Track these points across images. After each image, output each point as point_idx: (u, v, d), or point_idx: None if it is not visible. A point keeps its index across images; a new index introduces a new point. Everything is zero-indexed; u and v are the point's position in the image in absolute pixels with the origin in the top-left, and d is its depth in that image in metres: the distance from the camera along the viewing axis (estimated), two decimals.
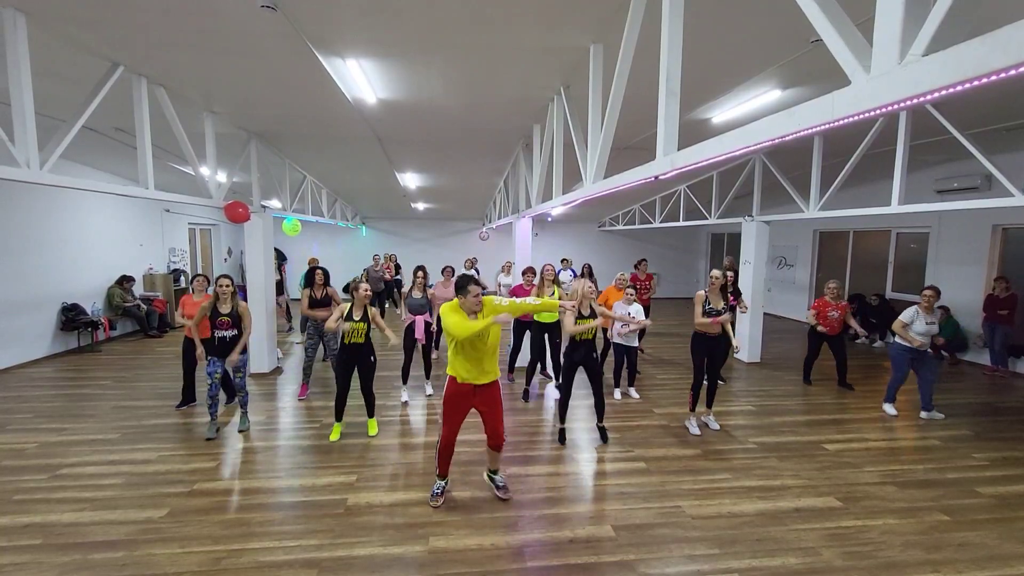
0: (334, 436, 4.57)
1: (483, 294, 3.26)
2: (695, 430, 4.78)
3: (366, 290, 4.41)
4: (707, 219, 9.11)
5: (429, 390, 5.86)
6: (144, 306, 9.30)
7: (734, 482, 3.82)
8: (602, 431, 4.55)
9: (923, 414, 5.27)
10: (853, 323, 6.05)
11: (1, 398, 5.71)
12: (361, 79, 4.29)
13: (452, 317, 3.16)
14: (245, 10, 3.13)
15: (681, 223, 10.07)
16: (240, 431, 4.69)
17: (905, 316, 5.15)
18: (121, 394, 5.86)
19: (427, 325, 5.58)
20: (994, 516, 3.40)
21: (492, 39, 3.57)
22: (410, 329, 5.54)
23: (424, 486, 3.69)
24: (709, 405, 4.90)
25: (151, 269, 10.14)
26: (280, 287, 9.16)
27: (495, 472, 3.65)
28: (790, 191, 6.81)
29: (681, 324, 10.52)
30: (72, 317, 7.84)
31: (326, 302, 5.61)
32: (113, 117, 5.37)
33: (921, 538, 3.14)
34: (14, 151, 3.20)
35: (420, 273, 5.61)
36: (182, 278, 10.80)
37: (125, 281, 9.09)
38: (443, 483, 3.54)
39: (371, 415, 4.74)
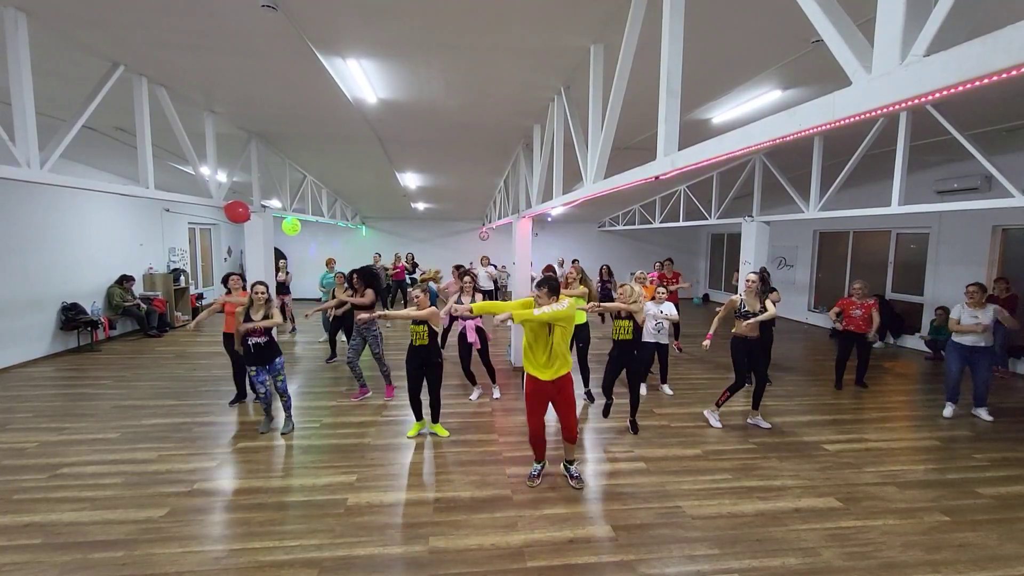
0: (412, 432, 4.63)
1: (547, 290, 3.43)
2: (716, 423, 4.91)
3: (421, 297, 4.34)
4: (707, 219, 9.11)
5: (496, 394, 5.76)
6: (144, 306, 9.29)
7: (734, 482, 3.82)
8: (633, 424, 4.71)
9: (974, 410, 5.35)
10: (876, 318, 6.06)
11: (1, 397, 5.71)
12: (361, 79, 4.29)
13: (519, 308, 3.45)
14: (245, 10, 3.12)
15: (681, 223, 10.07)
16: (282, 433, 4.63)
17: (953, 313, 5.29)
18: (121, 394, 5.86)
19: (479, 330, 5.50)
20: (994, 517, 3.40)
21: (493, 39, 3.57)
22: (461, 336, 5.49)
23: (425, 486, 3.70)
24: (755, 406, 4.94)
25: (151, 269, 10.14)
26: (285, 288, 9.18)
27: (571, 463, 3.81)
28: (790, 191, 6.81)
29: (683, 324, 10.48)
30: (72, 316, 7.83)
31: (367, 304, 5.51)
32: (113, 117, 5.36)
33: (921, 539, 3.14)
34: (15, 150, 3.20)
35: (468, 278, 5.45)
36: (182, 278, 10.80)
37: (125, 281, 9.09)
38: (539, 465, 3.83)
39: (435, 420, 4.64)
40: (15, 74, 3.20)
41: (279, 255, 12.31)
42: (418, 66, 4.10)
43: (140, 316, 9.16)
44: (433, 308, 4.40)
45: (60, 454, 4.20)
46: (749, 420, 4.99)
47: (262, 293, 4.46)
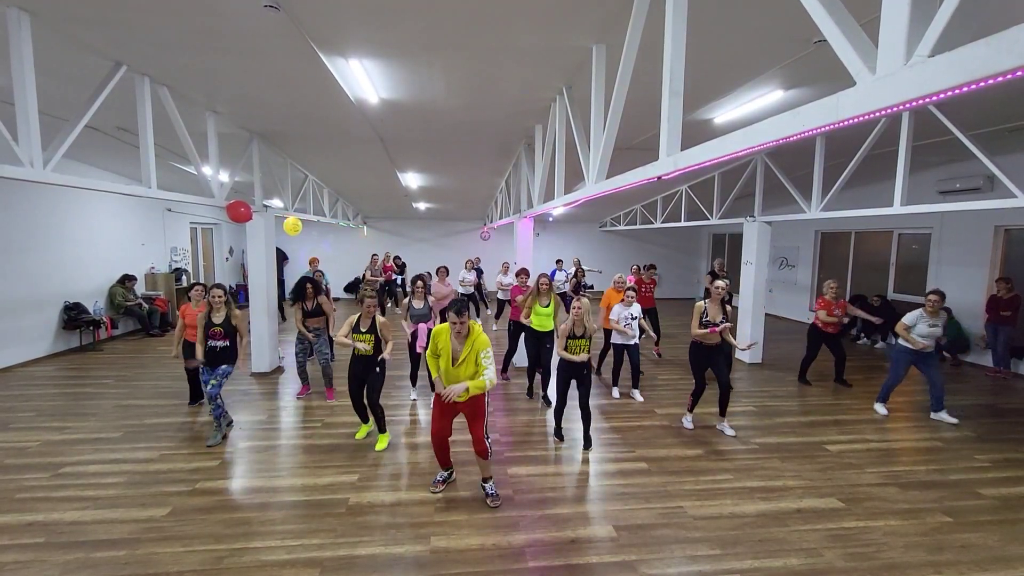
0: (360, 435, 4.58)
1: (461, 321, 3.28)
2: (689, 425, 4.91)
3: (372, 304, 4.28)
4: (708, 219, 9.11)
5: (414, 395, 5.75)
6: (146, 305, 9.31)
7: (736, 483, 3.82)
8: (587, 439, 4.43)
9: (932, 415, 5.26)
10: (859, 312, 6.10)
11: (3, 397, 5.72)
12: (364, 79, 4.29)
13: (436, 346, 3.39)
14: (248, 10, 3.13)
15: (682, 223, 10.06)
16: (208, 445, 4.36)
17: (908, 319, 5.15)
18: (123, 393, 5.87)
19: (430, 332, 5.48)
20: (996, 518, 3.39)
21: (495, 39, 3.57)
22: (415, 337, 5.50)
23: (426, 486, 3.70)
24: (722, 413, 4.83)
25: (153, 268, 10.15)
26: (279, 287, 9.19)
27: (485, 480, 3.58)
28: (792, 192, 6.81)
29: (683, 325, 10.50)
30: (74, 316, 7.85)
31: (318, 312, 5.53)
32: (116, 116, 5.37)
33: (923, 539, 3.14)
34: (18, 150, 3.21)
35: (420, 283, 5.46)
36: (184, 277, 10.81)
37: (127, 280, 9.10)
38: (444, 472, 3.73)
39: (382, 430, 4.44)
40: (18, 74, 3.20)
41: (281, 255, 12.34)
42: (420, 66, 4.10)
43: (142, 316, 9.17)
44: (384, 320, 4.35)
45: (62, 453, 4.21)
46: (717, 426, 4.91)
47: (219, 297, 4.43)
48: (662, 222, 11.16)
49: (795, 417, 5.28)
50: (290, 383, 6.29)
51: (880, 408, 5.43)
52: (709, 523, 3.27)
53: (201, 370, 4.49)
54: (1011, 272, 7.22)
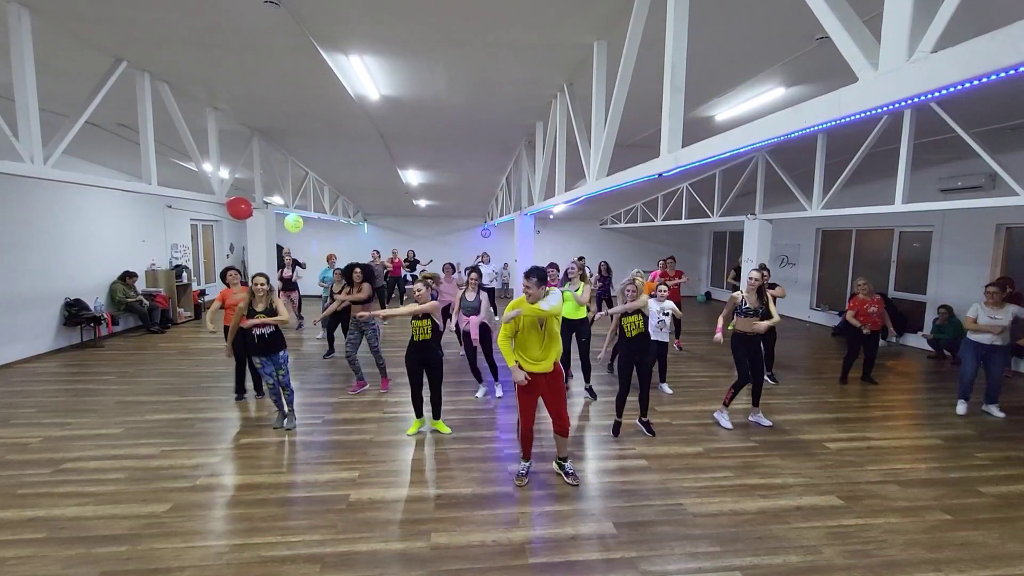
0: (412, 431, 4.59)
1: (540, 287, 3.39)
2: (726, 424, 4.86)
3: (422, 291, 4.36)
4: (709, 217, 9.09)
5: (499, 392, 5.71)
6: (147, 302, 9.31)
7: (736, 480, 3.83)
8: (646, 424, 4.63)
9: (984, 407, 5.37)
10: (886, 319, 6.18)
11: (5, 393, 5.73)
12: (364, 76, 4.28)
13: (521, 324, 3.47)
14: (248, 6, 3.12)
15: (683, 221, 10.05)
16: (286, 429, 4.63)
17: (970, 312, 5.27)
18: (124, 389, 5.88)
19: (482, 326, 5.44)
20: (996, 516, 3.40)
21: (496, 36, 3.56)
22: (466, 334, 5.49)
23: (427, 482, 3.71)
24: (755, 404, 4.93)
25: (153, 265, 10.15)
26: (292, 284, 9.20)
27: (564, 460, 3.77)
28: (793, 189, 6.79)
29: (684, 322, 10.48)
30: (75, 313, 7.86)
31: (364, 300, 5.55)
32: (116, 113, 5.37)
33: (923, 537, 3.14)
34: (18, 146, 3.21)
35: (474, 275, 5.47)
36: (184, 274, 10.82)
37: (128, 277, 9.10)
38: (527, 464, 3.78)
39: (436, 417, 4.60)
40: (18, 70, 3.20)
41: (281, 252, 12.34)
42: (421, 63, 4.09)
43: (143, 312, 9.18)
44: (435, 302, 4.39)
45: (63, 449, 4.22)
46: (750, 417, 4.98)
47: (262, 285, 4.44)
48: (663, 220, 11.14)
49: (795, 415, 5.28)
50: (295, 380, 6.28)
51: (961, 407, 5.40)
52: (709, 520, 3.28)
53: (262, 363, 4.48)
54: (1012, 270, 7.21)
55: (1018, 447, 4.53)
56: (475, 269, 5.58)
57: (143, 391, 5.82)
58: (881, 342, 8.97)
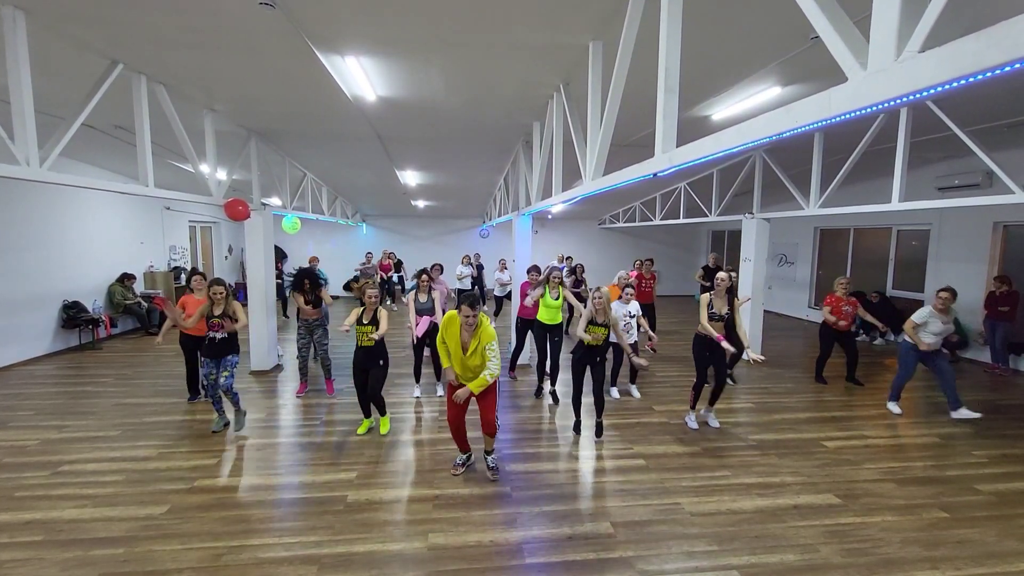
0: (361, 430, 4.65)
1: (473, 314, 3.48)
2: (693, 425, 4.85)
3: (374, 295, 4.44)
4: (707, 216, 9.10)
5: (440, 391, 5.80)
6: (145, 304, 9.31)
7: (733, 479, 3.83)
8: (599, 426, 4.57)
9: (953, 414, 5.08)
10: (868, 316, 6.12)
11: (2, 395, 5.73)
12: (361, 76, 4.28)
13: (445, 336, 3.60)
14: (244, 7, 3.12)
15: (681, 220, 10.06)
16: (236, 432, 4.61)
17: (918, 316, 5.08)
18: (122, 391, 5.88)
19: (433, 325, 5.49)
20: (993, 513, 3.40)
21: (492, 37, 3.56)
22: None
23: (424, 483, 3.71)
24: (712, 403, 4.88)
25: (152, 267, 10.16)
26: (280, 290, 9.23)
27: (488, 453, 3.89)
28: (790, 188, 6.80)
29: (682, 322, 10.51)
30: (73, 315, 7.85)
31: (317, 303, 5.62)
32: (113, 115, 5.37)
33: (920, 535, 3.15)
34: (14, 149, 3.20)
35: (425, 277, 5.56)
36: (182, 276, 10.82)
37: (126, 279, 9.10)
38: (464, 456, 3.93)
39: (382, 413, 4.68)
40: (14, 72, 3.19)
41: (280, 253, 12.35)
42: (417, 64, 4.09)
43: (141, 314, 9.18)
44: (387, 312, 4.55)
45: (61, 451, 4.22)
46: (703, 411, 4.93)
47: (220, 294, 4.48)
48: (661, 219, 11.15)
49: (792, 414, 5.28)
50: (289, 381, 6.30)
51: (894, 407, 5.38)
52: (706, 519, 3.28)
53: (203, 363, 4.48)
54: (1009, 268, 7.22)
55: (1015, 445, 4.54)
56: (425, 271, 5.61)
57: (141, 393, 5.82)
58: (879, 340, 9.03)
